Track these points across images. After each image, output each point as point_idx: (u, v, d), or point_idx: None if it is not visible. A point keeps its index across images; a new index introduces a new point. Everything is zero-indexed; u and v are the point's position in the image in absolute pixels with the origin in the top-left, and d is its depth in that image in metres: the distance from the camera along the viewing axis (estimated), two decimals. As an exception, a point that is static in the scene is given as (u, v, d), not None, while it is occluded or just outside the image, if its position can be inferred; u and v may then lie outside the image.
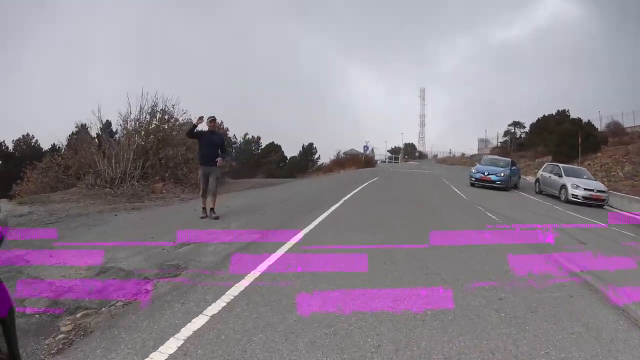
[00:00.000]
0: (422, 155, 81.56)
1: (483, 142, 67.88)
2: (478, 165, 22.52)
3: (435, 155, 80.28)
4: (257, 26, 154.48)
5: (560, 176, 19.01)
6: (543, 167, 22.53)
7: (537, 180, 21.96)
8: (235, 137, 50.83)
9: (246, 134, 53.32)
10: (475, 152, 65.20)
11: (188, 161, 17.75)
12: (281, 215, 9.32)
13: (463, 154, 72.12)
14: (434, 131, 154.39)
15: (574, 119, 34.95)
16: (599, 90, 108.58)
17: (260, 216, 9.31)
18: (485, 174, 20.54)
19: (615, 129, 39.71)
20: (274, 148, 56.91)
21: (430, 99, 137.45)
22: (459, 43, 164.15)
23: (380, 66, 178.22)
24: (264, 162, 54.07)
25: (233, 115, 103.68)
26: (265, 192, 16.26)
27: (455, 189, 18.47)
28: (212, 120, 9.21)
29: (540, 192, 21.03)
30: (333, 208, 10.63)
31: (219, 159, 9.12)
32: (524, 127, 48.62)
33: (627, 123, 40.67)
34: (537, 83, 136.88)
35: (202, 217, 8.90)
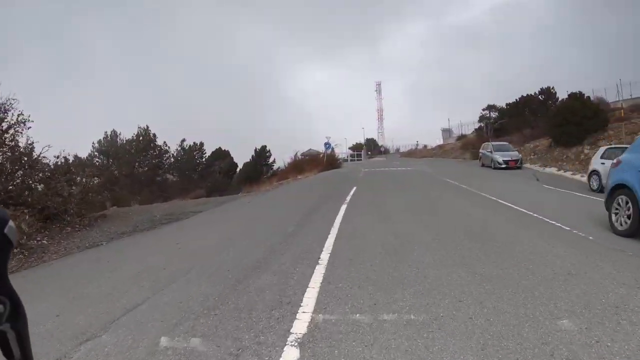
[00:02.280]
0: (385, 150, 73.42)
1: (447, 132, 60.62)
2: None
3: (398, 149, 72.64)
4: (186, 19, 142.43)
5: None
6: (600, 152, 14.31)
7: (594, 172, 13.82)
8: (167, 145, 40.42)
9: (183, 140, 43.08)
10: (441, 142, 57.69)
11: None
12: None
13: (425, 146, 64.78)
14: (393, 125, 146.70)
15: (574, 94, 27.17)
16: (566, 68, 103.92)
17: None
18: None
19: (602, 106, 33.12)
20: (221, 154, 47.09)
21: (387, 91, 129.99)
22: (414, 27, 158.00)
23: (333, 61, 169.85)
24: (210, 172, 44.30)
25: (167, 123, 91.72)
26: (112, 262, 7.07)
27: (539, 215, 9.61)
28: None
29: (599, 190, 13.18)
30: None
31: None
32: (497, 111, 41.03)
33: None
34: (502, 64, 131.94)
35: None
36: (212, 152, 47.60)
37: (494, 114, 40.61)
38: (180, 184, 41.09)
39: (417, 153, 56.68)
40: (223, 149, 48.32)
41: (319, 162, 30.49)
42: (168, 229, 10.74)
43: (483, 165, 23.86)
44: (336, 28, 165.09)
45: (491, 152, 22.57)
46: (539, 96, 34.07)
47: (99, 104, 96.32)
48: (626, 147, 13.97)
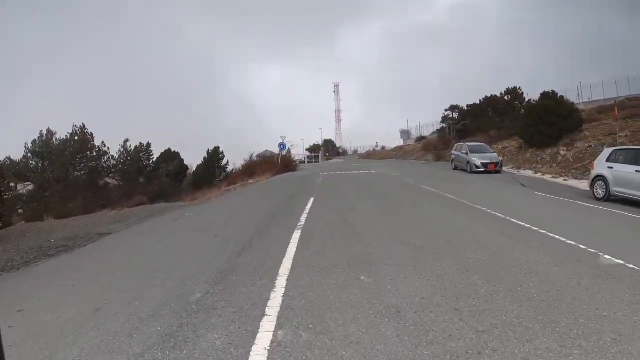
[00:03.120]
0: (343, 152, 70.55)
1: (405, 133, 58.64)
2: None
3: (356, 151, 69.96)
4: (137, 9, 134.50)
5: None
6: (606, 155, 11.81)
7: (599, 178, 11.49)
8: (106, 146, 35.47)
9: (126, 141, 38.22)
10: (401, 143, 55.50)
11: None
12: None
13: (383, 147, 62.44)
14: (351, 126, 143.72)
15: (547, 93, 25.10)
16: (525, 70, 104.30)
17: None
18: None
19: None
20: (170, 156, 42.57)
21: (345, 92, 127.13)
22: (370, 27, 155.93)
23: (290, 61, 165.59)
24: (158, 175, 39.71)
25: (111, 123, 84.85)
26: None
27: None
28: None
29: (606, 199, 11.23)
30: None
31: None
32: (458, 112, 38.95)
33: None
34: (460, 66, 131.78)
35: None
36: (161, 154, 43.00)
37: (456, 115, 38.44)
38: (123, 188, 36.44)
39: (376, 155, 54.10)
40: (173, 150, 43.92)
41: (273, 164, 27.01)
42: (44, 267, 7.15)
43: (456, 168, 21.03)
44: (292, 27, 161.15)
45: (467, 153, 19.74)
46: (505, 96, 32.02)
47: (36, 101, 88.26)
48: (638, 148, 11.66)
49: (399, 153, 47.07)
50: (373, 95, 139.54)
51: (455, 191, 11.71)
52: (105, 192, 33.58)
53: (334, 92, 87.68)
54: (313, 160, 52.14)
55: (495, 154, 20.25)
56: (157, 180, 39.12)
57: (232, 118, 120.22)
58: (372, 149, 65.00)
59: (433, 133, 45.89)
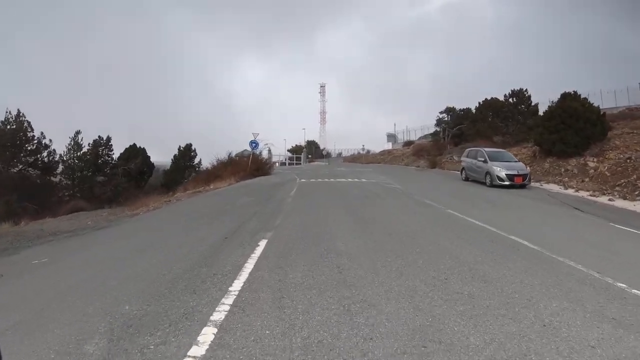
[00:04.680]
0: (327, 154, 65.39)
1: (392, 137, 54.20)
2: None
3: (340, 154, 64.93)
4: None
5: None
6: None
7: None
8: (45, 136, 29.20)
9: (78, 133, 32.22)
10: (389, 147, 50.89)
11: None
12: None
13: (368, 151, 57.84)
14: (334, 128, 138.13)
15: (568, 94, 20.48)
16: (517, 75, 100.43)
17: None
18: None
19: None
20: (134, 153, 36.73)
21: (329, 92, 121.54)
22: (354, 27, 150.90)
23: (274, 60, 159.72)
24: (118, 174, 33.99)
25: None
26: None
27: None
28: None
29: None
30: None
31: None
32: (452, 115, 34.51)
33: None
34: (449, 70, 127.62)
35: None
36: (125, 149, 37.07)
37: (449, 118, 33.90)
38: (70, 188, 30.69)
39: (363, 158, 49.30)
40: (139, 146, 38.05)
41: (243, 165, 21.91)
42: None
43: (468, 179, 16.12)
44: (275, 25, 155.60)
45: (485, 161, 14.88)
46: (509, 99, 27.47)
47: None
48: None
49: (387, 157, 42.36)
50: (358, 97, 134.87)
51: (507, 225, 6.88)
52: (46, 193, 27.55)
53: (320, 92, 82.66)
54: (295, 162, 47.20)
55: (522, 164, 15.35)
56: (116, 179, 33.50)
57: (214, 118, 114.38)
58: (357, 152, 60.27)
59: (422, 137, 41.54)
